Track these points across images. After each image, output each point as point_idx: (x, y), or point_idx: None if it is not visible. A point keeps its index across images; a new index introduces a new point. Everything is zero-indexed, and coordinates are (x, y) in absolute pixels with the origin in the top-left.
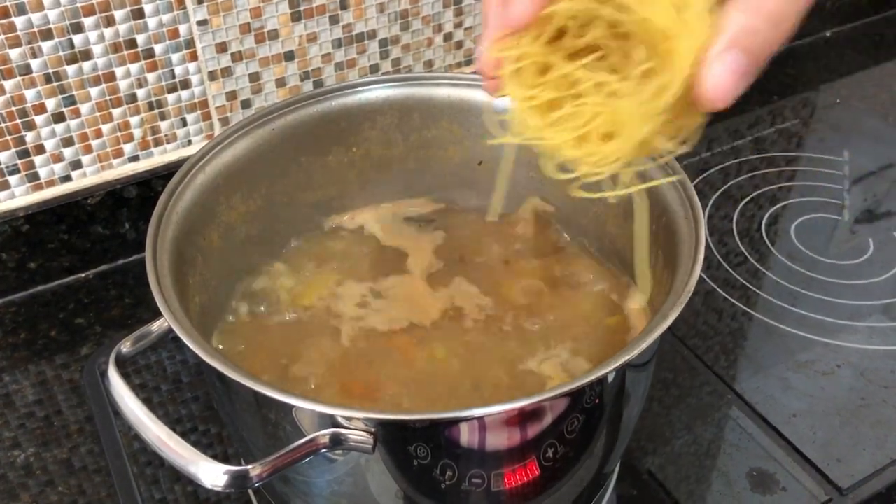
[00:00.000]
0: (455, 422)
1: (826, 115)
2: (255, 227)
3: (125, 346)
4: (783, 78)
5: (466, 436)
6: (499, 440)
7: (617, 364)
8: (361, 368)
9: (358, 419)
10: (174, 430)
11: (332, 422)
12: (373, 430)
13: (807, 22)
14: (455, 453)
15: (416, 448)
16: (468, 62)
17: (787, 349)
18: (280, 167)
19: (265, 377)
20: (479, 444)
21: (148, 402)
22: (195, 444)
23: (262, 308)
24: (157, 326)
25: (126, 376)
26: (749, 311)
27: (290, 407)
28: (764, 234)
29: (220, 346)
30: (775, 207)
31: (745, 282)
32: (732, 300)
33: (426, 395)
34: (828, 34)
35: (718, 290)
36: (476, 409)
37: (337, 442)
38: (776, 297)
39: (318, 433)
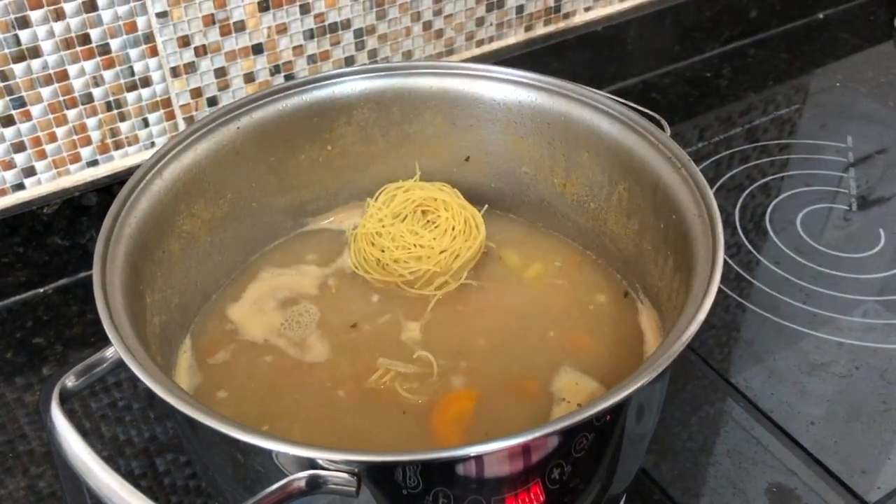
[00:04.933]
0: (451, 462)
1: (825, 100)
2: (220, 236)
3: (70, 380)
4: (777, 62)
5: (463, 467)
6: (499, 468)
7: (630, 390)
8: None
9: (338, 460)
10: (148, 449)
11: (309, 462)
12: (356, 470)
13: (800, 4)
14: (450, 482)
15: (407, 479)
16: (449, 52)
17: (800, 351)
18: (247, 169)
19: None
20: (477, 473)
21: (119, 421)
22: (168, 473)
23: (232, 325)
24: (111, 353)
25: (93, 395)
26: (761, 312)
27: (259, 449)
28: (769, 227)
29: (186, 366)
30: (779, 198)
31: (752, 279)
32: (739, 299)
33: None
34: (821, 16)
35: (727, 290)
36: (473, 446)
37: (315, 485)
38: (786, 295)
39: (293, 476)
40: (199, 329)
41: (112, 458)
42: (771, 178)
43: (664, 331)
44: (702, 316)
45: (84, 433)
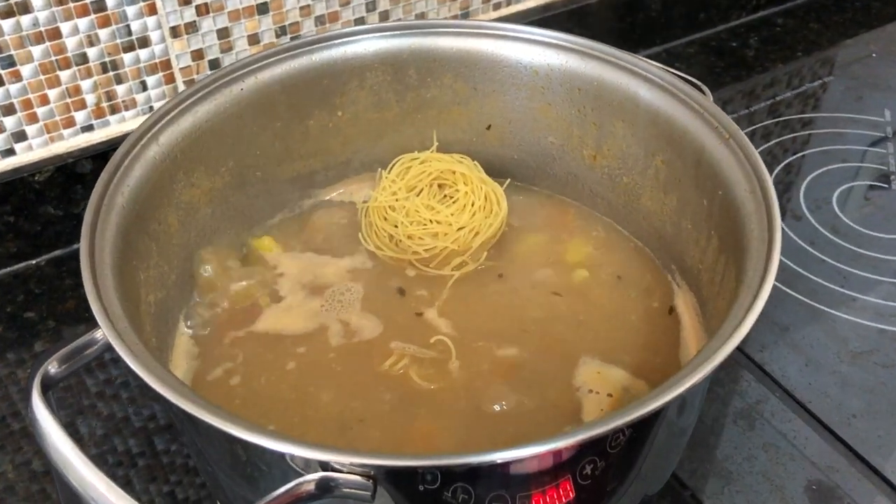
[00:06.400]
0: (476, 467)
1: (860, 71)
2: (222, 207)
3: (53, 367)
4: (806, 32)
5: (488, 466)
6: (527, 464)
7: (679, 391)
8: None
9: (354, 464)
10: (146, 427)
11: (320, 463)
12: (371, 473)
13: None
14: (473, 479)
15: (426, 478)
16: (465, 15)
17: (839, 338)
18: (251, 136)
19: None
20: (503, 470)
21: (115, 398)
22: (168, 452)
23: (228, 304)
24: (101, 335)
25: (89, 371)
26: (797, 295)
27: (265, 450)
28: (803, 206)
29: (184, 348)
30: (813, 175)
31: (786, 261)
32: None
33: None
34: None
35: None
36: (499, 452)
37: (326, 489)
38: (822, 278)
39: (301, 479)
40: (200, 306)
41: (109, 436)
42: (803, 153)
43: (704, 317)
44: (760, 305)
45: (80, 411)
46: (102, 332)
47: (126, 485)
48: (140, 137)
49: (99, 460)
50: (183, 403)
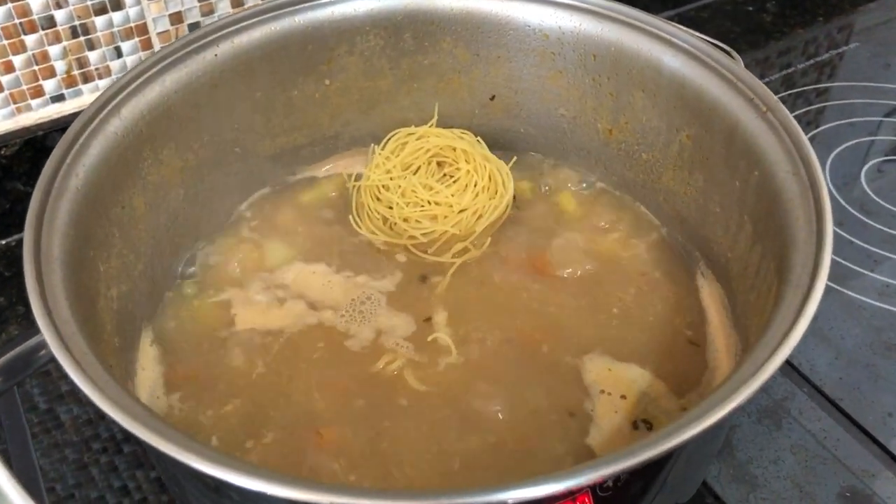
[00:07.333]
0: None
1: (887, 36)
2: (196, 188)
3: None
4: None
5: None
6: None
7: (718, 417)
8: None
9: None
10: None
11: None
12: None
13: None
14: None
15: None
16: None
17: (871, 327)
18: (227, 107)
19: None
20: None
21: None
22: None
23: (207, 296)
24: None
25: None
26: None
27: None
28: (829, 183)
29: (155, 351)
30: (839, 150)
31: None
32: None
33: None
34: None
35: None
36: (508, 490)
37: None
38: (852, 262)
39: None
40: (173, 299)
41: (92, 422)
42: (828, 125)
43: (733, 312)
44: (812, 308)
45: (60, 396)
46: None
47: (112, 471)
48: (98, 111)
49: (83, 447)
50: (136, 429)
